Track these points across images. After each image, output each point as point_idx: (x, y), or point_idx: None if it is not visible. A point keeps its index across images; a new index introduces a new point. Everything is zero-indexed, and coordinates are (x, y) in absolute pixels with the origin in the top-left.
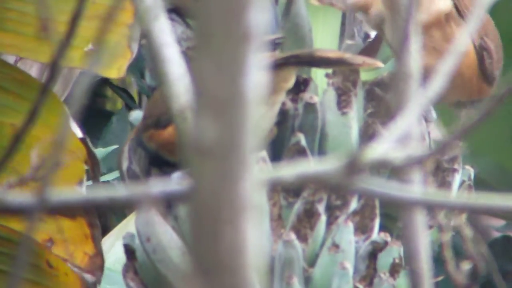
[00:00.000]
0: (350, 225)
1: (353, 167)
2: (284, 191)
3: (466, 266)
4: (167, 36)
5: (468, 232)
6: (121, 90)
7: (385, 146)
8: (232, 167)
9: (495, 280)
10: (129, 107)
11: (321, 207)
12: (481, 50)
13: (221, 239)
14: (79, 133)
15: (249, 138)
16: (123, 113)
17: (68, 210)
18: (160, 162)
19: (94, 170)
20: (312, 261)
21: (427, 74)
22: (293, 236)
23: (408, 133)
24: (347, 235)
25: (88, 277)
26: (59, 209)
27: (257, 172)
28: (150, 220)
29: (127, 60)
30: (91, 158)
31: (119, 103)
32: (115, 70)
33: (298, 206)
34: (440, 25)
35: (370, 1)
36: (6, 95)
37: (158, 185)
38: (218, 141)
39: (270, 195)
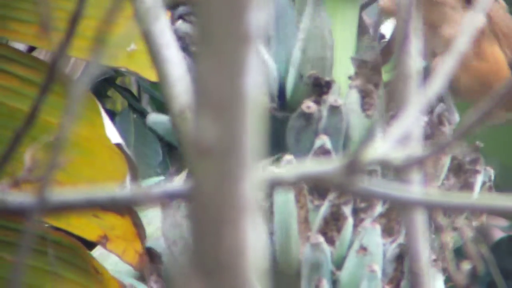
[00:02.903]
0: (378, 228)
1: (354, 167)
2: (310, 194)
3: (466, 266)
4: (167, 36)
5: (468, 232)
6: (124, 90)
7: (386, 146)
8: (232, 167)
9: (497, 281)
10: (132, 107)
11: (347, 210)
12: None
13: (222, 240)
14: (116, 138)
15: (250, 138)
16: (126, 113)
17: (116, 208)
18: None
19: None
20: (339, 264)
21: (455, 88)
22: (321, 239)
23: (409, 133)
24: (374, 237)
25: (127, 284)
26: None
27: (258, 172)
28: (176, 223)
29: None
30: (129, 163)
31: (119, 103)
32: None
33: (324, 209)
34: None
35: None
36: (19, 83)
37: (159, 185)
38: (219, 141)
39: (297, 198)
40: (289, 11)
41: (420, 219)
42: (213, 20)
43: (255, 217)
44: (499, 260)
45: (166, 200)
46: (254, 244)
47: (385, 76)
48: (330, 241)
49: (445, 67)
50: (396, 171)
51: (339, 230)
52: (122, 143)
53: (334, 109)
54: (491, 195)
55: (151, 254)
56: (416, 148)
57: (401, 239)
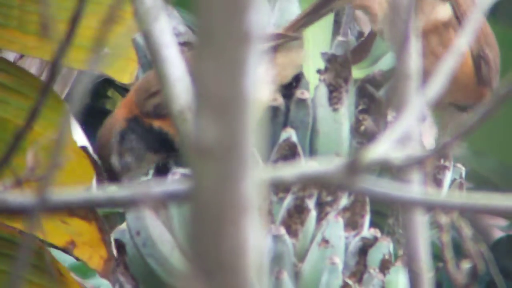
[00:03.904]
0: (340, 221)
1: (354, 167)
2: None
3: (465, 265)
4: (167, 37)
5: (467, 231)
6: (124, 90)
7: (385, 147)
8: (233, 168)
9: (497, 280)
10: None
11: (311, 203)
12: (478, 59)
13: (223, 240)
14: (82, 141)
15: (250, 138)
16: None
17: (81, 213)
18: (170, 147)
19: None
20: (302, 256)
21: (423, 77)
22: (283, 231)
23: (408, 134)
24: (337, 230)
25: (89, 285)
26: (61, 209)
27: (258, 172)
28: (140, 214)
29: (136, 64)
30: (95, 167)
31: (119, 103)
32: (128, 75)
33: (288, 201)
34: (438, 31)
35: (372, 3)
36: (6, 92)
37: (159, 185)
38: (219, 142)
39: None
40: (262, 5)
41: (419, 219)
42: (213, 21)
43: (256, 217)
44: (498, 259)
45: (166, 200)
46: (255, 244)
47: (361, 73)
48: (293, 234)
49: (443, 70)
50: (396, 171)
51: (302, 223)
52: (88, 146)
53: (301, 102)
54: (462, 193)
55: (118, 246)
56: (416, 148)
57: (364, 233)
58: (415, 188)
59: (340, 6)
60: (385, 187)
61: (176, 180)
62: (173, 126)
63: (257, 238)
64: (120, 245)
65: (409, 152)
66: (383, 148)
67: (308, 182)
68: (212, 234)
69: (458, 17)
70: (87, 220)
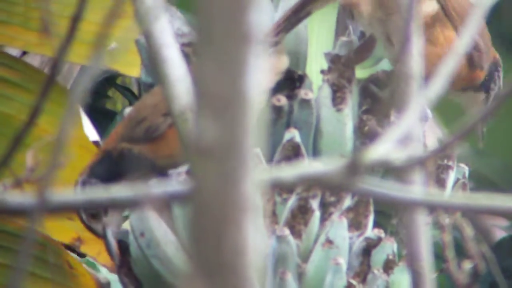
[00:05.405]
0: (344, 221)
1: (355, 168)
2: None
3: (467, 265)
4: (167, 37)
5: (469, 231)
6: (125, 89)
7: (386, 147)
8: (233, 168)
9: (498, 280)
10: None
11: (315, 203)
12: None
13: (223, 240)
14: (93, 135)
15: (250, 138)
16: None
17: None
18: (156, 169)
19: None
20: (305, 257)
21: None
22: (287, 231)
23: (409, 133)
24: (341, 231)
25: (101, 277)
26: (61, 209)
27: (258, 172)
28: (144, 215)
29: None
30: None
31: (120, 103)
32: (136, 68)
33: (292, 202)
34: (425, 28)
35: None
36: (11, 88)
37: (160, 186)
38: (219, 142)
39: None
40: (266, 4)
41: (420, 219)
42: (214, 21)
43: (256, 217)
44: (501, 259)
45: (167, 200)
46: (255, 244)
47: (364, 73)
48: (297, 234)
49: (446, 68)
50: (397, 171)
51: (306, 223)
52: (99, 140)
53: (304, 103)
54: (465, 192)
55: (121, 247)
56: (417, 149)
57: (368, 233)
58: (416, 188)
59: (318, 8)
60: (386, 187)
61: (176, 180)
62: (156, 149)
63: (258, 238)
64: (123, 246)
65: (410, 152)
66: (384, 148)
67: (308, 183)
68: (213, 234)
69: (446, 11)
70: None
